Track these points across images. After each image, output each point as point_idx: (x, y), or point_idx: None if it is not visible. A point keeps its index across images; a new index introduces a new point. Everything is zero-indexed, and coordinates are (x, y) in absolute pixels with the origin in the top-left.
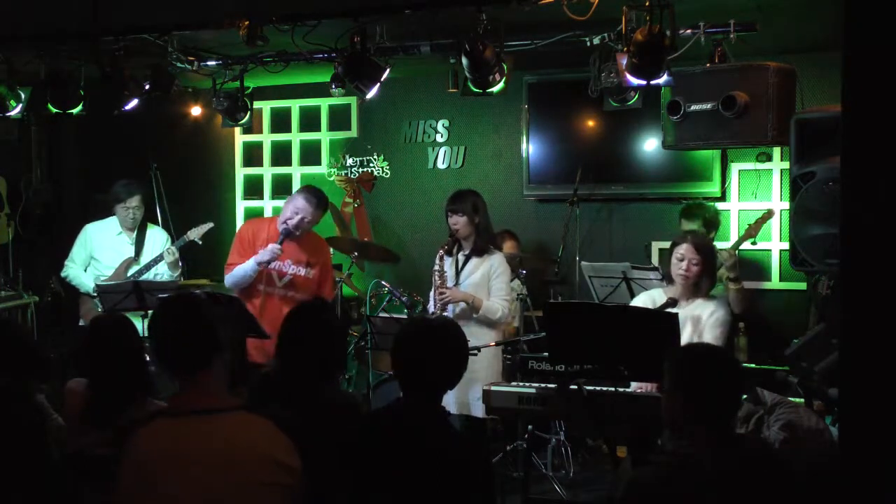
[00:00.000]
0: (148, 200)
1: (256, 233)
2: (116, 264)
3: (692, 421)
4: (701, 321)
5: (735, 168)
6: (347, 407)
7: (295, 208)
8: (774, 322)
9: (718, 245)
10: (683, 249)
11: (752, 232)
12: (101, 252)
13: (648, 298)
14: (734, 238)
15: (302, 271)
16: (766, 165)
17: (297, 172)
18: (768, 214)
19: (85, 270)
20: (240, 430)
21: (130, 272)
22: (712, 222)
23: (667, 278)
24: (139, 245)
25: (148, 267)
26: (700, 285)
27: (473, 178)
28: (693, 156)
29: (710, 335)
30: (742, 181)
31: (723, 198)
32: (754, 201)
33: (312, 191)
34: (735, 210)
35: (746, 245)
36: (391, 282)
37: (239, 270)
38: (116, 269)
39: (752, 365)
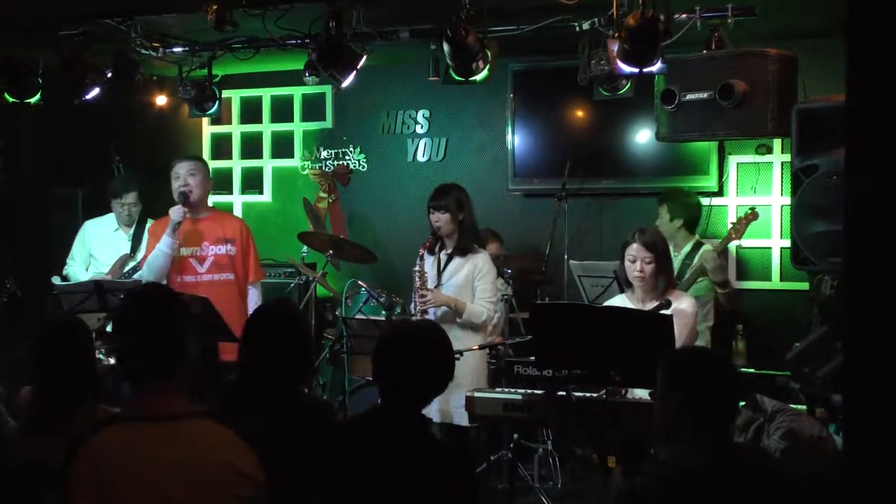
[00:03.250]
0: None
1: (162, 226)
2: (113, 261)
3: (687, 429)
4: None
5: (733, 161)
6: (321, 414)
7: (175, 174)
8: (775, 324)
9: (705, 243)
10: (633, 250)
11: (735, 234)
12: (99, 249)
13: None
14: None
15: (222, 249)
16: (766, 158)
17: (268, 165)
18: (752, 215)
19: (87, 269)
20: (200, 439)
21: (127, 268)
22: (689, 210)
23: (624, 283)
24: (136, 241)
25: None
26: (658, 284)
27: (455, 171)
28: (688, 148)
29: (678, 330)
30: (740, 175)
31: (720, 192)
32: (753, 196)
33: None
34: (733, 206)
35: (736, 243)
36: (368, 282)
37: (153, 256)
38: (112, 266)
39: (751, 370)
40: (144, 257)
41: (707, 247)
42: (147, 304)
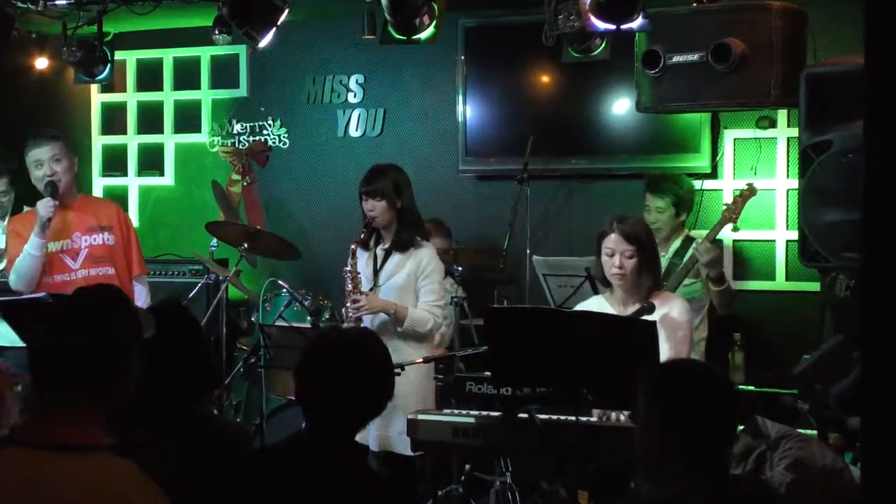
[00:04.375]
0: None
1: (26, 224)
2: None
3: (674, 458)
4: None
5: (729, 136)
6: (233, 441)
7: (36, 161)
8: (779, 333)
9: (695, 234)
10: (612, 242)
11: (730, 215)
12: None
13: (583, 309)
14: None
15: (98, 239)
16: (769, 133)
17: (169, 142)
18: (749, 191)
19: None
20: (98, 476)
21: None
22: (684, 201)
23: (601, 282)
24: None
25: None
26: (641, 283)
27: (395, 148)
28: (675, 121)
29: (669, 345)
30: (738, 153)
31: (713, 174)
32: (753, 178)
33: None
34: (729, 189)
35: (728, 233)
36: (290, 282)
37: (20, 261)
38: None
39: (751, 387)
40: (9, 263)
41: (699, 241)
42: (63, 311)
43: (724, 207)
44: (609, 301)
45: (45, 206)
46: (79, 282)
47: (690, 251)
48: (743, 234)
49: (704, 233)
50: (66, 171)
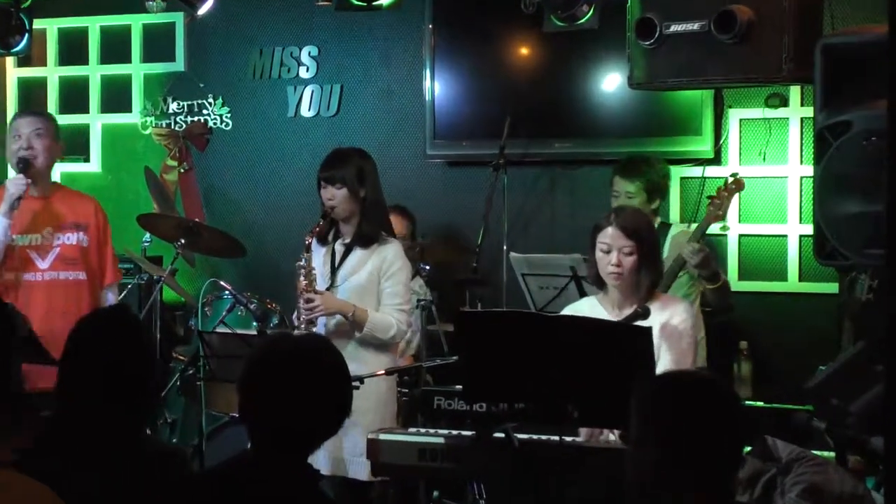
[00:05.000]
0: None
1: None
2: None
3: (671, 485)
4: (659, 332)
5: (734, 117)
6: (168, 464)
7: (15, 132)
8: (791, 341)
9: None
10: (609, 237)
11: (716, 211)
12: None
13: (573, 312)
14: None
15: (72, 238)
16: (780, 113)
17: (96, 122)
18: (735, 184)
19: None
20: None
21: None
22: (657, 186)
23: (594, 282)
24: None
25: None
26: (640, 283)
27: (353, 130)
28: (673, 99)
29: (671, 356)
30: (745, 135)
31: (717, 160)
32: (762, 165)
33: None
34: None
35: (734, 227)
36: (234, 283)
37: None
38: None
39: (760, 403)
40: None
41: (677, 230)
42: None
43: (709, 202)
44: (603, 303)
45: (15, 183)
46: (43, 284)
47: (669, 242)
48: (750, 229)
49: (685, 227)
50: (46, 151)
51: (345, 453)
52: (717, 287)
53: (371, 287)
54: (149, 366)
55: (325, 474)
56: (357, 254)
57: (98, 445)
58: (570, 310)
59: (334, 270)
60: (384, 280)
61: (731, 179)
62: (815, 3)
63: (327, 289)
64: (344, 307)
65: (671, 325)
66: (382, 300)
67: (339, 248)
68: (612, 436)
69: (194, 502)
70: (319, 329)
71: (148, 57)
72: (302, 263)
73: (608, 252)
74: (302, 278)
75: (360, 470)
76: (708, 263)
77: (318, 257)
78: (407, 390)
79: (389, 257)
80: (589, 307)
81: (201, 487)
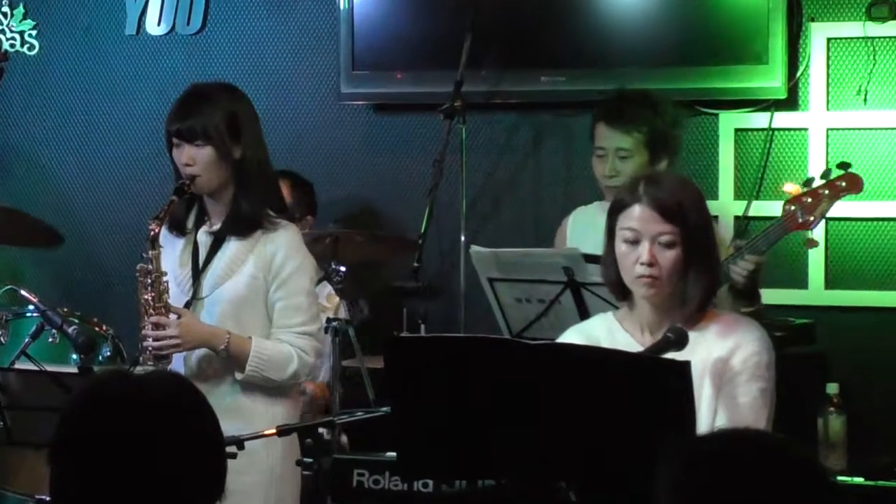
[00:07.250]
0: None
1: None
2: None
3: None
4: (711, 372)
5: (818, 35)
6: None
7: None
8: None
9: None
10: (635, 219)
11: (803, 219)
12: None
13: (583, 338)
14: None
15: None
16: (889, 29)
17: None
18: (848, 182)
19: None
20: None
21: None
22: (664, 139)
23: (613, 291)
24: None
25: None
26: (687, 294)
27: (229, 57)
28: (725, 7)
29: (727, 410)
30: (835, 65)
31: (791, 103)
32: (862, 110)
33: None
34: (820, 131)
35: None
36: (42, 292)
37: None
38: None
39: (860, 479)
40: None
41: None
42: None
43: (787, 204)
44: (625, 324)
45: None
46: None
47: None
48: (844, 209)
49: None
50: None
51: None
52: (752, 312)
53: (255, 298)
54: None
55: None
56: (231, 247)
57: None
58: (572, 335)
59: (197, 275)
60: (275, 287)
61: (835, 174)
62: None
63: (186, 304)
64: (213, 336)
65: (735, 361)
66: (274, 319)
67: (203, 239)
68: None
69: None
70: (176, 366)
71: None
72: (148, 267)
73: (635, 243)
74: (146, 290)
75: None
76: (757, 280)
77: (172, 255)
78: (311, 460)
79: (282, 252)
80: (605, 331)
81: None
